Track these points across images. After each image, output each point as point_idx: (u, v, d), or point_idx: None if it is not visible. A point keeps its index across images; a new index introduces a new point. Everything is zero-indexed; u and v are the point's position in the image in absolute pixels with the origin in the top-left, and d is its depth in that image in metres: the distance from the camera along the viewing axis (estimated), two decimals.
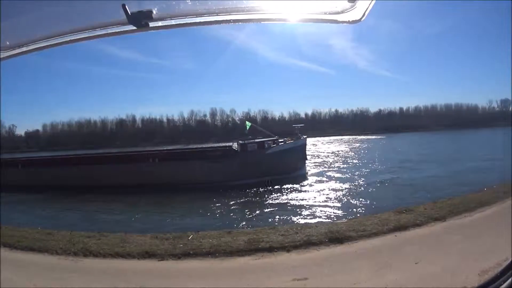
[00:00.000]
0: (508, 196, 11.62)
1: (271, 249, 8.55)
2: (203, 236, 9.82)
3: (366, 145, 75.03)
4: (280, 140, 38.26)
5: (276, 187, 29.16)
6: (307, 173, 36.75)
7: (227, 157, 34.80)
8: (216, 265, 8.09)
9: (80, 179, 33.26)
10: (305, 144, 39.42)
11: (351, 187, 28.53)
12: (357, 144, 73.81)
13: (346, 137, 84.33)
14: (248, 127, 43.41)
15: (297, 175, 34.46)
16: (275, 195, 27.11)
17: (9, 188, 30.96)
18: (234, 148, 37.11)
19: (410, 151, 53.60)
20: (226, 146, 39.46)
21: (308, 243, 8.68)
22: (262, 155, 34.69)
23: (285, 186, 29.63)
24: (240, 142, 37.28)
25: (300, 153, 37.82)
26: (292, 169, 35.20)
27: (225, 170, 32.39)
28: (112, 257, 8.78)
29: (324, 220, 18.40)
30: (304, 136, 40.08)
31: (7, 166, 37.61)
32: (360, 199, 23.87)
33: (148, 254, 8.70)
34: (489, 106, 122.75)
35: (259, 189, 28.55)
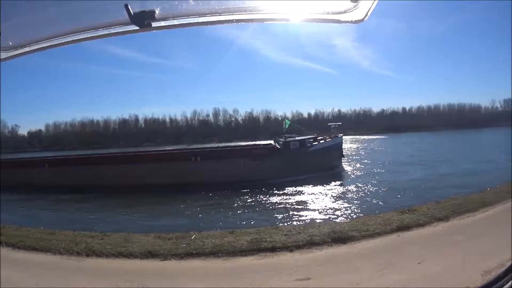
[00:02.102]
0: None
1: (274, 249, 8.55)
2: (206, 236, 9.82)
3: (366, 144, 75.01)
4: (319, 138, 38.66)
5: (322, 184, 29.11)
6: (344, 170, 37.16)
7: (270, 155, 34.75)
8: (218, 265, 8.09)
9: (118, 178, 32.57)
10: (341, 142, 39.79)
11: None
12: (355, 145, 73.20)
13: (348, 137, 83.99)
14: (287, 125, 44.12)
15: (336, 173, 35.07)
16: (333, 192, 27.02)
17: (38, 188, 30.97)
18: (276, 146, 37.01)
19: (403, 152, 53.36)
20: (267, 144, 39.82)
21: (311, 243, 8.68)
22: (304, 153, 34.83)
23: (330, 183, 29.72)
24: (282, 140, 37.41)
25: (338, 151, 38.47)
26: (331, 166, 35.77)
27: (268, 168, 32.14)
28: (114, 257, 8.79)
29: None
30: (340, 135, 40.68)
31: (34, 165, 37.45)
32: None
33: (150, 254, 8.70)
34: (492, 106, 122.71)
35: (305, 186, 28.42)
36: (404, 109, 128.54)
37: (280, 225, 16.13)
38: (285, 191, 26.94)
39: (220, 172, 31.48)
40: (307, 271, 7.18)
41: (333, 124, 43.71)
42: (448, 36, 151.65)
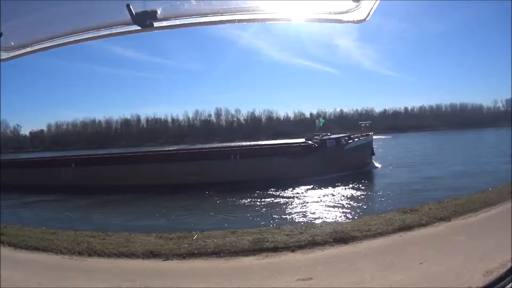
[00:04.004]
0: None
1: (275, 249, 8.54)
2: (208, 236, 9.82)
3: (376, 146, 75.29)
4: (353, 136, 39.24)
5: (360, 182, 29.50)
6: (376, 167, 37.66)
7: (308, 152, 34.94)
8: (220, 265, 8.09)
9: (151, 177, 31.97)
10: (372, 140, 40.15)
11: None
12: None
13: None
14: (321, 123, 45.10)
15: (368, 170, 35.82)
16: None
17: (67, 189, 30.48)
18: (313, 144, 37.13)
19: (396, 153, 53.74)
20: (303, 142, 40.16)
21: (313, 243, 8.67)
22: (340, 151, 35.24)
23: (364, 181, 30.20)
24: (318, 138, 37.75)
25: (370, 149, 38.93)
26: (364, 164, 36.54)
27: (305, 166, 32.14)
28: (116, 256, 8.79)
29: None
30: (371, 133, 41.33)
31: (60, 165, 36.87)
32: None
33: (152, 254, 8.70)
34: (494, 106, 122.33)
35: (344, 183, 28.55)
36: (406, 109, 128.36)
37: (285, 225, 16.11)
38: (330, 188, 27.17)
39: (260, 170, 31.56)
40: (309, 271, 7.18)
41: (363, 123, 45.30)
42: (450, 35, 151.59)
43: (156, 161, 35.56)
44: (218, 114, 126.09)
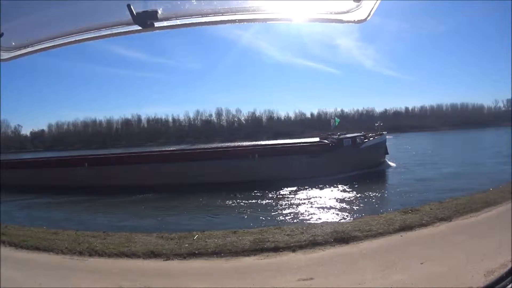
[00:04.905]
0: None
1: (276, 249, 8.54)
2: (209, 236, 9.82)
3: None
4: (368, 135, 39.56)
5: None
6: (390, 166, 37.87)
7: (326, 151, 35.06)
8: (221, 265, 8.09)
9: (175, 176, 31.60)
10: (386, 140, 40.27)
11: None
12: None
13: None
14: (337, 123, 46.25)
15: (382, 169, 36.30)
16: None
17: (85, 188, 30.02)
18: (330, 143, 37.25)
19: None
20: (319, 141, 40.26)
21: (313, 243, 8.67)
22: (356, 150, 35.50)
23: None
24: (336, 137, 37.87)
25: (384, 148, 39.09)
26: (379, 163, 36.95)
27: (323, 165, 32.41)
28: (117, 256, 8.80)
29: None
30: (385, 132, 41.76)
31: (74, 165, 36.67)
32: None
33: (153, 254, 8.70)
34: (495, 106, 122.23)
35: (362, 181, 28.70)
36: (407, 109, 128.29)
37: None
38: (351, 187, 27.22)
39: (280, 170, 31.51)
40: (310, 271, 7.18)
41: (377, 122, 45.46)
42: (451, 35, 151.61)
43: (179, 161, 35.44)
44: (219, 114, 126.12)
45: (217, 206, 24.04)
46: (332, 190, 26.77)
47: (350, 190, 26.28)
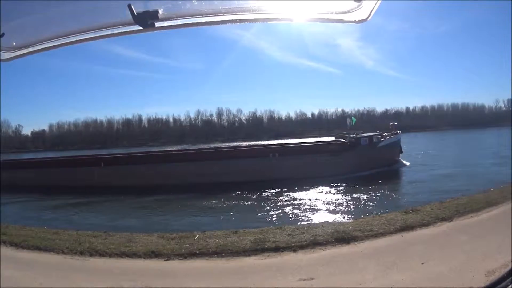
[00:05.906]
0: None
1: (277, 249, 8.53)
2: (210, 236, 9.81)
3: None
4: (384, 135, 39.86)
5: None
6: (405, 165, 38.25)
7: (344, 151, 35.29)
8: (222, 265, 8.08)
9: (192, 176, 31.44)
10: (400, 139, 40.71)
11: None
12: None
13: None
14: (354, 122, 47.74)
15: (397, 168, 36.91)
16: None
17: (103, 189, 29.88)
18: (347, 142, 37.60)
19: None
20: (335, 140, 40.34)
21: (314, 243, 8.66)
22: (373, 149, 35.86)
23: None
24: (354, 136, 38.33)
25: (398, 147, 39.55)
26: (393, 162, 37.49)
27: (343, 163, 32.76)
28: (118, 256, 8.78)
29: None
30: (399, 131, 42.10)
31: (89, 164, 36.22)
32: None
33: (154, 254, 8.69)
34: (496, 106, 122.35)
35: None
36: (408, 108, 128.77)
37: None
38: (370, 185, 27.21)
39: (299, 168, 31.49)
40: (311, 271, 7.17)
41: (392, 123, 45.47)
42: (452, 35, 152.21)
43: (197, 160, 35.21)
44: (219, 114, 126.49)
45: (248, 206, 23.97)
46: (355, 188, 26.74)
47: (374, 187, 26.45)
